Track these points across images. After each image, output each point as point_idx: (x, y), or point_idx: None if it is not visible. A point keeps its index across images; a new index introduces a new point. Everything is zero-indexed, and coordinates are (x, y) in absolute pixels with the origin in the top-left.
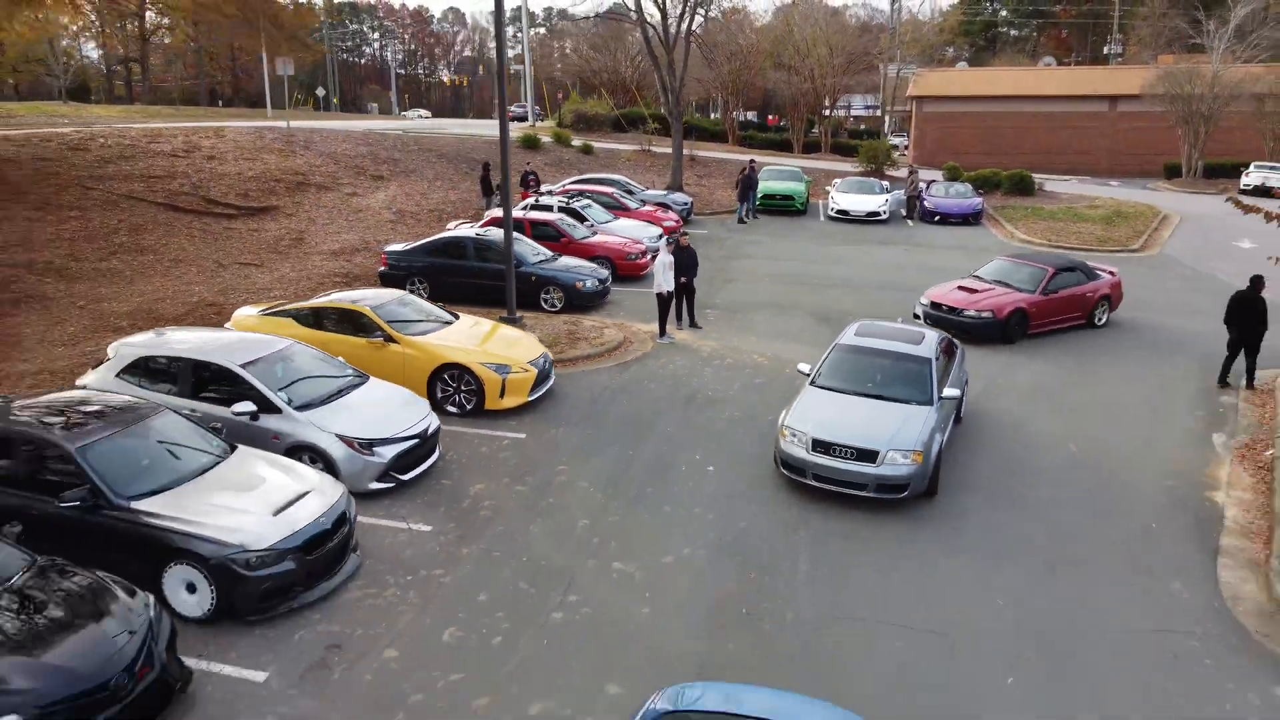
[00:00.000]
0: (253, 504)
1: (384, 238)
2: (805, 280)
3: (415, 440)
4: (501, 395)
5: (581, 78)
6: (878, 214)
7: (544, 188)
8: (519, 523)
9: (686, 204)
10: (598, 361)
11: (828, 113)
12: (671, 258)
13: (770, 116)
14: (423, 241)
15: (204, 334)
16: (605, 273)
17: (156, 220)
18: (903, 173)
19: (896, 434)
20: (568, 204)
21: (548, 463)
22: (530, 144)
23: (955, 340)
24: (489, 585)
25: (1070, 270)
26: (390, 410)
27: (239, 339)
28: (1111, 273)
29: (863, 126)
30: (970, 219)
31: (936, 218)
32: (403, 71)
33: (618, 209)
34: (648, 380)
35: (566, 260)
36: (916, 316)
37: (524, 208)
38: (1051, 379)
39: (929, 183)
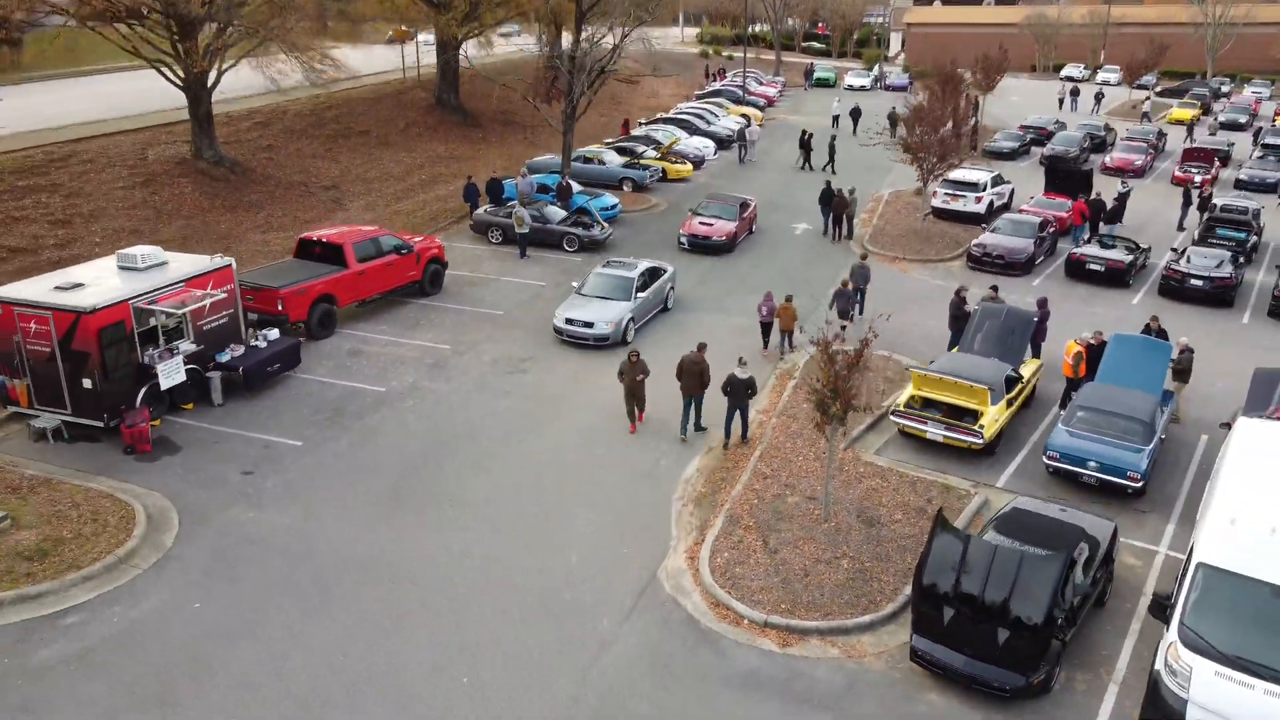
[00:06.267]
0: None
1: None
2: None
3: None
4: None
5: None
6: (865, 86)
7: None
8: None
9: (782, 81)
10: None
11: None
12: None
13: (819, 25)
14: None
15: None
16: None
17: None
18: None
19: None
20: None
21: None
22: (704, 55)
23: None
24: None
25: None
26: None
27: None
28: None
29: (875, 34)
30: (906, 88)
31: (891, 87)
32: None
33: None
34: None
35: None
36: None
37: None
38: None
39: (891, 72)
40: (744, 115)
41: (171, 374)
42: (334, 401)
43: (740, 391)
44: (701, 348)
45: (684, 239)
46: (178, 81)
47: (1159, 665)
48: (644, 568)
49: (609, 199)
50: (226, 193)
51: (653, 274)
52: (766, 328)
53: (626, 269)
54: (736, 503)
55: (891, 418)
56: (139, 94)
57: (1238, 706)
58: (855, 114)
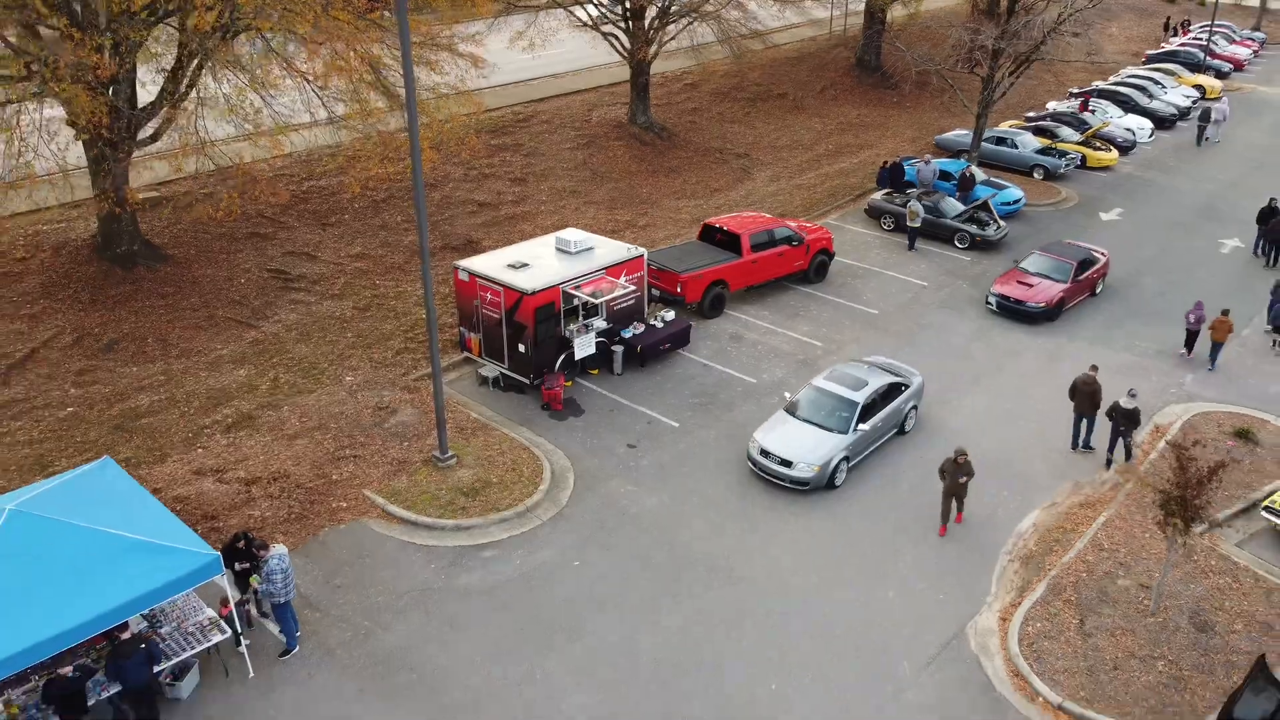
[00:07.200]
0: None
1: None
2: None
3: None
4: None
5: None
6: None
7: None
8: None
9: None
10: None
11: None
12: None
13: None
14: None
15: None
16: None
17: None
18: None
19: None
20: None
21: None
22: None
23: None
24: None
25: None
26: None
27: None
28: None
29: None
30: None
31: None
32: None
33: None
34: None
35: None
36: None
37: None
38: None
39: None
40: (1198, 86)
41: (585, 347)
42: (710, 387)
43: (1121, 420)
44: (1094, 369)
45: (993, 299)
46: (624, 55)
47: None
48: (955, 619)
49: (1014, 193)
50: (652, 157)
51: (889, 392)
52: (1193, 335)
53: (853, 388)
54: (1064, 571)
55: (1263, 513)
56: (586, 46)
57: None
58: None
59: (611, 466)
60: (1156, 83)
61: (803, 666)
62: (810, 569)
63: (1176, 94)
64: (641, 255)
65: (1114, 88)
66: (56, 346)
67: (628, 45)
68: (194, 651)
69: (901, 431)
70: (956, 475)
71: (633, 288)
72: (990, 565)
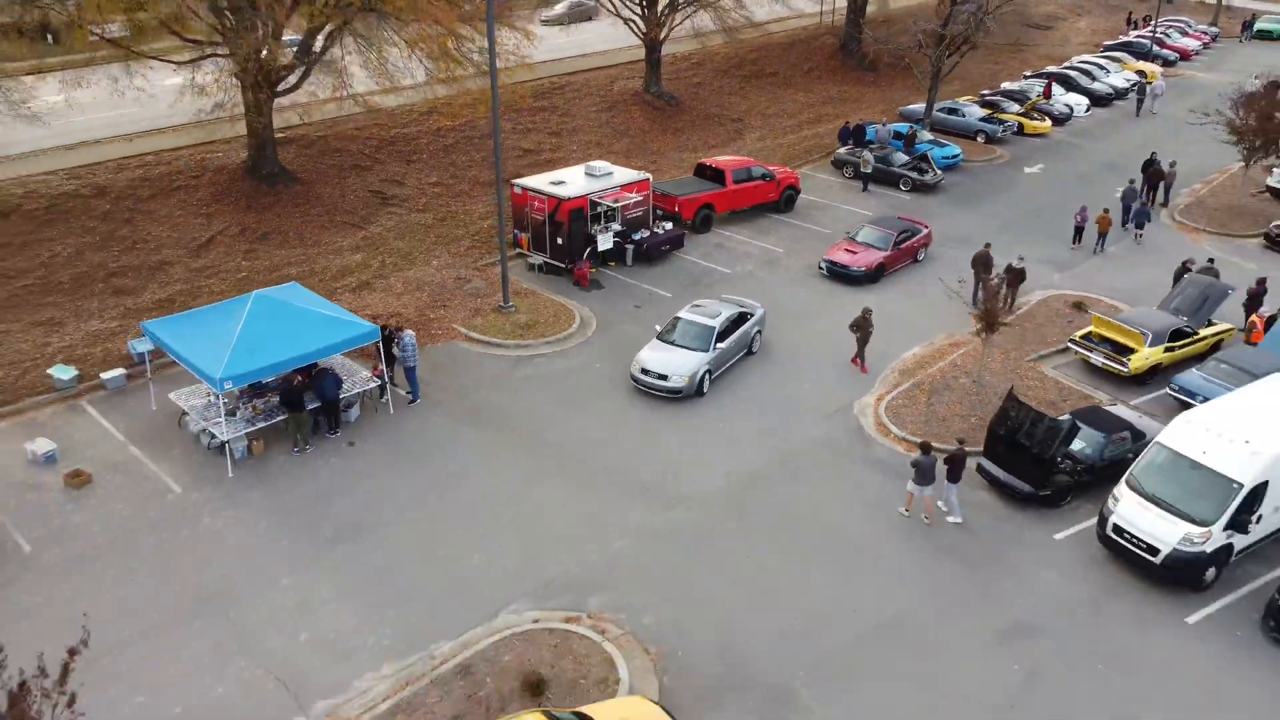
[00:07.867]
0: None
1: None
2: None
3: None
4: None
5: None
6: None
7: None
8: None
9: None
10: None
11: None
12: None
13: None
14: None
15: None
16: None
17: None
18: None
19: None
20: None
21: None
22: None
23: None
24: None
25: None
26: None
27: None
28: None
29: None
30: None
31: None
32: None
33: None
34: None
35: None
36: None
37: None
38: None
39: None
40: (1139, 71)
41: (605, 242)
42: (696, 274)
43: (1014, 277)
44: (988, 245)
45: (824, 264)
46: (640, 37)
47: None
48: (847, 399)
49: (953, 149)
50: (662, 119)
51: (738, 320)
52: (1079, 230)
53: (709, 316)
54: (926, 377)
55: (1068, 343)
56: (609, 28)
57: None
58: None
59: (622, 317)
60: (1101, 67)
61: (739, 421)
62: (748, 373)
63: (1117, 77)
64: (648, 179)
65: (1063, 71)
66: (228, 235)
67: (643, 28)
68: (357, 391)
69: (750, 352)
70: (866, 328)
71: (640, 198)
72: (876, 376)
